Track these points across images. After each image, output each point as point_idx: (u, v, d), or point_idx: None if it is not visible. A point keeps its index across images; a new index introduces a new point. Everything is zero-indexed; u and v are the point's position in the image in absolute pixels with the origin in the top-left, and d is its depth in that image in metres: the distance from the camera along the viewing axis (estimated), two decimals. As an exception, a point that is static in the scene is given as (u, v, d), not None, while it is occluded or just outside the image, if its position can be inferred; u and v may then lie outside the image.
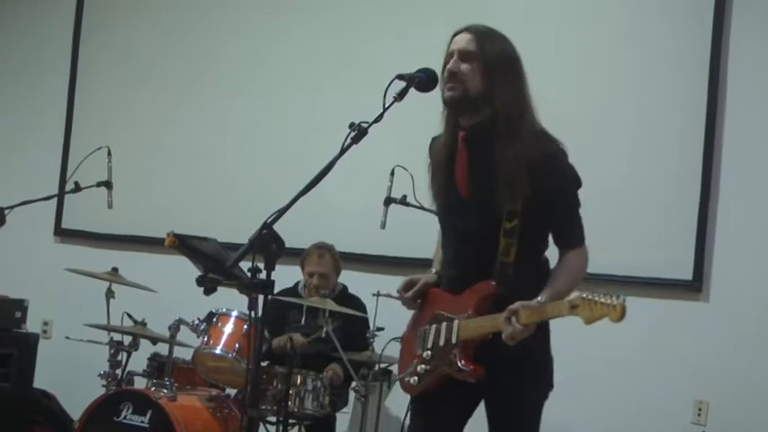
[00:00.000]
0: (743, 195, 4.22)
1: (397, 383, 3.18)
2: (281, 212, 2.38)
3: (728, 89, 4.24)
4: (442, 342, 2.66)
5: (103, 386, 4.34)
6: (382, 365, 4.25)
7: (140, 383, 4.39)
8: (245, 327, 4.11)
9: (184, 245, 3.71)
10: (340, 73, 5.23)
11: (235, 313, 4.19)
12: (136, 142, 5.79)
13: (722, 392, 4.15)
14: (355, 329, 4.42)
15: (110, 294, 4.57)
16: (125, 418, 4.03)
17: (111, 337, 4.43)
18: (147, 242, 5.57)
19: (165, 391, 4.09)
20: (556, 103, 4.27)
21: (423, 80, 2.59)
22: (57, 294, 5.86)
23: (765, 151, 4.19)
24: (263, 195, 4.69)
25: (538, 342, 2.62)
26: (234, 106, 5.60)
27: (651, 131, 4.38)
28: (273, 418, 4.13)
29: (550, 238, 2.71)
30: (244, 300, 2.46)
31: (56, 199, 5.16)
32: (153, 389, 4.15)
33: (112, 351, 4.39)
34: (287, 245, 2.39)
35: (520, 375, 2.63)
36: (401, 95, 2.53)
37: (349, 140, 2.47)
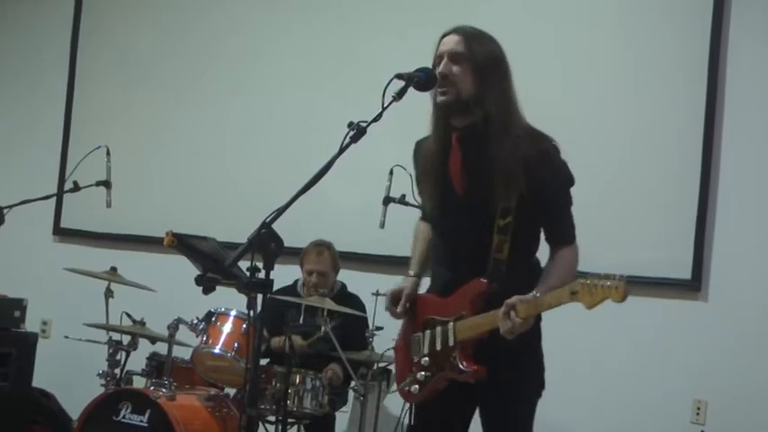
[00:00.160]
0: (742, 195, 4.22)
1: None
2: (280, 211, 2.38)
3: (728, 89, 4.24)
4: (439, 346, 2.66)
5: (102, 385, 4.34)
6: (381, 365, 4.24)
7: (139, 383, 4.38)
8: (244, 326, 4.10)
9: (183, 244, 3.71)
10: (339, 72, 5.23)
11: (233, 312, 4.18)
12: (135, 141, 5.79)
13: (721, 392, 4.15)
14: (354, 329, 4.41)
15: (109, 294, 4.58)
16: (124, 417, 4.02)
17: (110, 337, 4.42)
18: (145, 241, 5.57)
19: (163, 390, 4.08)
20: (556, 103, 4.31)
21: (422, 79, 2.59)
22: (56, 294, 5.87)
23: (764, 151, 4.19)
24: (263, 195, 4.69)
25: (535, 335, 2.65)
26: (233, 106, 5.60)
27: (650, 131, 4.38)
28: (272, 418, 4.12)
29: (542, 239, 2.72)
30: (243, 299, 2.46)
31: (55, 198, 5.17)
32: (152, 388, 4.14)
33: (111, 350, 4.38)
34: (286, 244, 2.38)
35: (519, 370, 2.64)
36: (400, 95, 2.53)
37: (348, 140, 2.46)
